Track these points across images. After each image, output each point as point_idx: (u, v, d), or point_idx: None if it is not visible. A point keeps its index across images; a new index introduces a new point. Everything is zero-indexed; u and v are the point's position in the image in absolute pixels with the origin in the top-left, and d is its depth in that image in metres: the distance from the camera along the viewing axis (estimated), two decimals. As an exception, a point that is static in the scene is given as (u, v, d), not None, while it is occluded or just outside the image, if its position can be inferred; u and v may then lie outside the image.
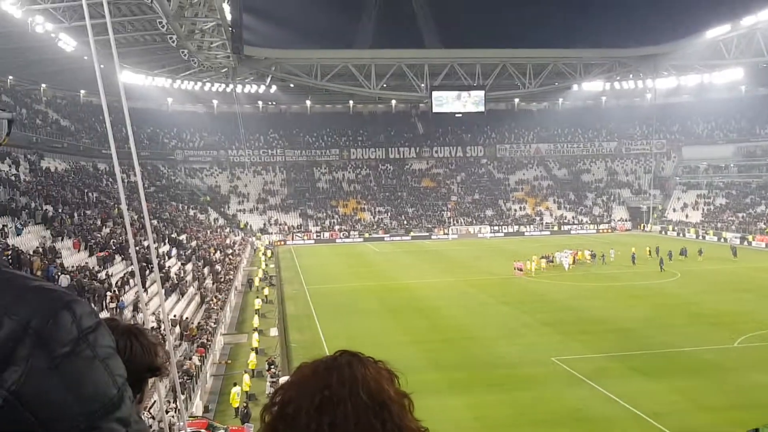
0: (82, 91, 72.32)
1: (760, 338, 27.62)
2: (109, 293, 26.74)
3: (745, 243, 63.35)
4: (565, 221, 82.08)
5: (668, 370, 23.67)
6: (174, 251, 42.41)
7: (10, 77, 60.41)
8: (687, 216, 78.69)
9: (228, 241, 59.46)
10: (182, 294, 33.65)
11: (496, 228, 79.50)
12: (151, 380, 1.81)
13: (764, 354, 25.41)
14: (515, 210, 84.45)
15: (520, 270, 46.22)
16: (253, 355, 26.41)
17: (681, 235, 72.87)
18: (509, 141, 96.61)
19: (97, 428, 0.71)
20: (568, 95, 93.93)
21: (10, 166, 40.58)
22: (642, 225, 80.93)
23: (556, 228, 79.90)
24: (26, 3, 39.93)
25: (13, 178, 38.38)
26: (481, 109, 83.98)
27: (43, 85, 67.09)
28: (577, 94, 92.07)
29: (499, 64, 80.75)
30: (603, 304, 35.82)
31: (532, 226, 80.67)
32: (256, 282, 44.36)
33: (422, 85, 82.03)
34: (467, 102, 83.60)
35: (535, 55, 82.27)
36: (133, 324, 1.86)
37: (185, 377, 20.51)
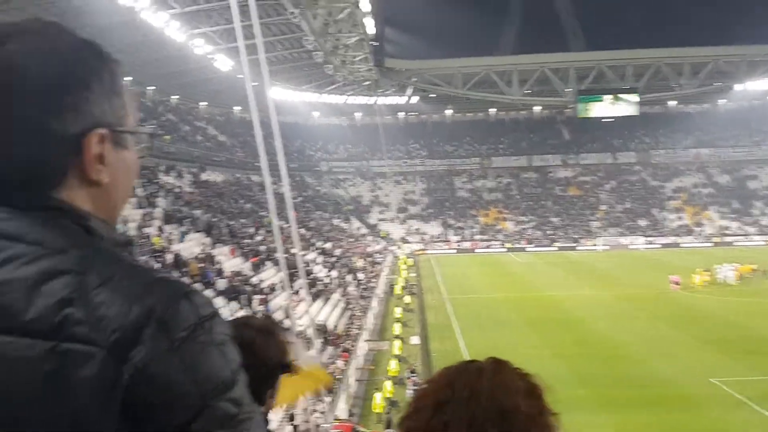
0: (237, 108, 77.38)
1: None
2: (258, 296, 28.20)
3: None
4: (729, 232, 75.70)
5: None
6: (319, 258, 44.06)
7: (174, 96, 65.99)
8: None
9: (370, 250, 60.85)
10: (327, 300, 34.82)
11: (650, 239, 74.94)
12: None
13: None
14: (672, 220, 79.23)
15: (677, 284, 43.17)
16: (394, 362, 26.74)
17: None
18: (665, 146, 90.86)
19: (210, 406, 0.79)
20: (730, 95, 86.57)
21: (175, 178, 44.22)
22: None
23: (717, 239, 73.86)
24: (188, 28, 43.47)
25: (177, 189, 41.77)
26: (634, 112, 79.58)
27: (203, 103, 72.61)
28: (741, 95, 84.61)
29: (653, 65, 76.23)
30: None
31: (690, 237, 75.20)
32: (397, 290, 44.95)
33: (567, 89, 79.33)
34: (618, 105, 79.64)
35: (693, 54, 76.55)
36: (269, 322, 1.94)
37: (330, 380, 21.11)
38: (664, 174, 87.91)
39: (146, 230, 29.24)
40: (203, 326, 0.81)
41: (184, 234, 32.43)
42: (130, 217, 29.73)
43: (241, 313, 24.36)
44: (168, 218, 33.57)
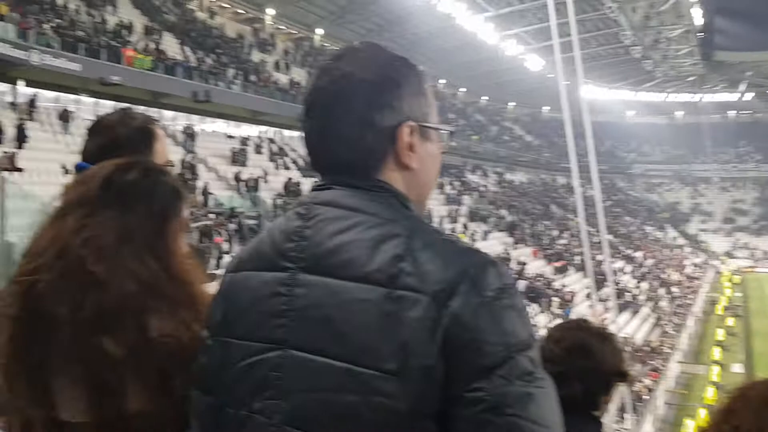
0: (545, 108, 76.77)
1: None
2: (557, 299, 27.53)
3: None
4: None
5: None
6: (628, 268, 41.51)
7: (483, 97, 68.01)
8: None
9: (687, 262, 55.52)
10: (635, 313, 32.63)
11: None
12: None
13: None
14: None
15: None
16: (711, 389, 23.97)
17: None
18: None
19: (513, 358, 0.91)
20: None
21: (480, 177, 45.56)
22: None
23: None
24: (501, 30, 44.40)
25: (482, 188, 42.96)
26: None
27: (511, 104, 73.58)
28: None
29: None
30: None
31: None
32: (718, 310, 40.24)
33: None
34: None
35: None
36: (604, 328, 1.96)
37: (635, 399, 19.73)
38: None
39: (452, 226, 30.63)
40: (507, 291, 0.94)
41: (487, 232, 33.21)
42: (437, 213, 31.46)
43: (540, 317, 24.09)
44: (472, 216, 34.71)
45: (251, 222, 20.51)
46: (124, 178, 1.18)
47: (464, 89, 64.21)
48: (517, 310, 0.94)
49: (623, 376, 1.80)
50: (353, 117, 1.05)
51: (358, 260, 0.96)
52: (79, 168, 1.65)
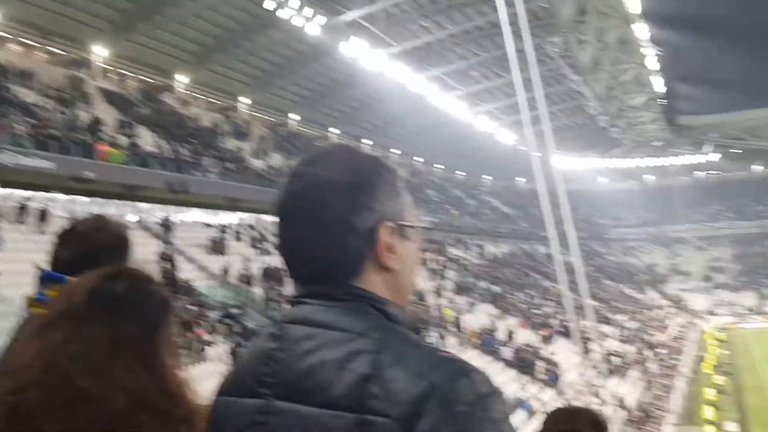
0: (519, 179, 78.35)
1: None
2: (543, 365, 27.36)
3: None
4: None
5: None
6: (612, 332, 41.56)
7: (460, 172, 69.45)
8: None
9: (669, 323, 55.69)
10: (623, 376, 32.49)
11: None
12: None
13: None
14: None
15: None
16: (707, 451, 23.71)
17: None
18: None
19: None
20: None
21: (462, 250, 45.97)
22: None
23: None
24: (471, 106, 45.94)
25: (464, 261, 43.27)
26: None
27: (486, 177, 75.10)
28: None
29: None
30: None
31: None
32: (706, 368, 40.15)
33: None
34: None
35: None
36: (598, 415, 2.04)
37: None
38: None
39: (438, 300, 30.69)
40: (481, 403, 0.89)
41: (472, 304, 33.29)
42: (424, 288, 31.56)
43: (531, 386, 23.94)
44: (458, 289, 34.84)
45: (236, 311, 20.33)
46: (112, 289, 1.16)
47: (441, 165, 65.62)
48: (493, 422, 0.91)
49: None
50: (331, 221, 1.03)
51: (326, 384, 0.94)
52: (46, 278, 1.60)
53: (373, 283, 1.05)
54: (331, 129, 48.81)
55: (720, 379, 36.77)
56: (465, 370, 0.92)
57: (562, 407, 2.12)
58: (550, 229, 9.17)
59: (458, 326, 27.91)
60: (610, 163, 77.60)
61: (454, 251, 44.80)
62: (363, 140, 49.80)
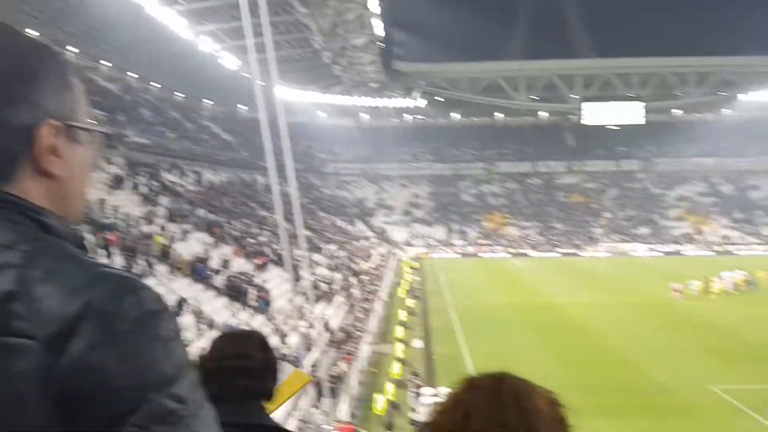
0: (241, 107, 77.38)
1: None
2: (254, 292, 28.06)
3: None
4: (730, 241, 75.54)
5: None
6: (323, 260, 44.06)
7: (179, 94, 66.10)
8: None
9: (373, 252, 60.85)
10: (330, 302, 34.81)
11: (651, 246, 74.80)
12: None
13: None
14: (674, 228, 79.07)
15: (678, 292, 43.07)
16: (397, 365, 26.71)
17: None
18: (668, 154, 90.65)
19: (149, 400, 0.79)
20: (734, 106, 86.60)
21: (178, 176, 44.27)
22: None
23: (719, 248, 73.68)
24: (194, 24, 43.57)
25: (180, 188, 41.79)
26: (640, 121, 79.62)
27: (208, 101, 72.73)
28: (745, 105, 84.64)
29: (658, 74, 76.29)
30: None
31: (692, 245, 75.05)
32: (401, 294, 44.92)
33: (573, 96, 79.32)
34: (623, 113, 79.62)
35: (699, 64, 76.66)
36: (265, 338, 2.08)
37: (333, 382, 21.10)
38: (667, 182, 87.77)
39: (149, 228, 29.29)
40: (147, 321, 0.82)
41: (186, 233, 32.45)
42: (133, 215, 29.81)
43: (242, 313, 24.40)
44: (171, 216, 33.61)
45: None
46: None
47: (158, 84, 61.54)
48: (162, 340, 0.83)
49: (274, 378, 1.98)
50: None
51: None
52: None
53: (29, 189, 0.90)
54: (28, 30, 42.46)
55: (411, 303, 41.50)
56: (130, 286, 0.84)
57: (231, 332, 2.16)
58: (269, 160, 9.15)
59: (167, 254, 27.02)
60: (331, 99, 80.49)
61: (169, 176, 42.91)
62: (68, 47, 44.32)
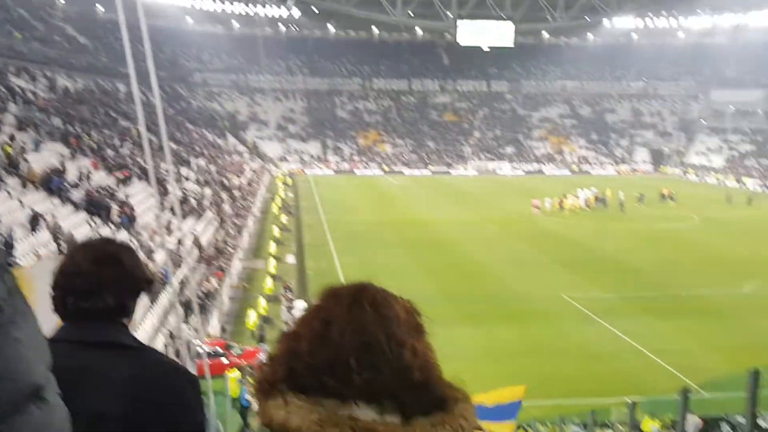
0: (99, 7, 71.07)
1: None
2: (117, 207, 26.73)
3: (765, 189, 62.15)
4: (587, 161, 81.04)
5: (678, 312, 23.82)
6: (192, 175, 42.56)
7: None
8: (710, 161, 77.41)
9: (246, 167, 59.56)
10: (199, 217, 33.93)
11: (516, 165, 78.73)
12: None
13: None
14: (537, 148, 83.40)
15: (538, 208, 45.99)
16: (269, 280, 26.82)
17: (702, 179, 71.73)
18: (535, 77, 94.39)
19: None
20: (598, 31, 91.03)
21: (27, 81, 40.42)
22: (663, 168, 79.63)
23: (576, 168, 78.93)
24: None
25: (30, 94, 38.28)
26: (509, 44, 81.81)
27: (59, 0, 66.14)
28: (608, 31, 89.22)
29: (529, -5, 78.08)
30: (618, 244, 35.69)
31: (552, 164, 79.78)
32: (274, 210, 44.62)
33: (449, 13, 79.70)
34: (495, 35, 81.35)
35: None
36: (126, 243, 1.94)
37: (203, 298, 20.87)
38: (533, 104, 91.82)
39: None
40: None
41: (38, 143, 29.99)
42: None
43: (103, 229, 23.24)
44: (20, 125, 30.86)
45: None
46: None
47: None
48: None
49: (150, 284, 1.86)
50: None
51: None
52: None
53: None
54: None
55: (285, 219, 41.42)
56: None
57: (90, 242, 1.92)
58: (129, 66, 8.49)
59: (16, 165, 24.92)
60: (199, 4, 75.60)
61: (17, 81, 39.08)
62: None
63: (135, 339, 1.72)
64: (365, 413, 1.20)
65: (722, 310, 24.12)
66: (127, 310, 1.74)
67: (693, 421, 10.63)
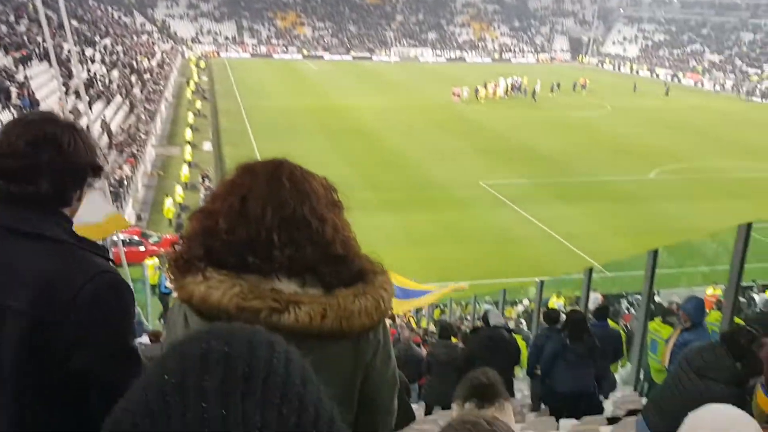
0: None
1: (674, 171, 29.22)
2: (15, 90, 24.96)
3: (675, 80, 64.53)
4: (508, 49, 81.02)
5: (587, 197, 25.04)
6: (98, 56, 39.88)
7: None
8: (625, 50, 78.98)
9: (156, 49, 56.26)
10: (108, 102, 32.18)
11: (438, 53, 77.83)
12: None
13: (676, 186, 27.08)
14: (459, 34, 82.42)
15: (457, 96, 46.12)
16: (186, 167, 26.16)
17: (616, 69, 73.45)
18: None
19: None
20: None
21: None
22: (581, 57, 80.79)
23: (497, 56, 78.90)
24: None
25: None
26: None
27: None
28: None
29: None
30: (533, 132, 36.56)
31: (474, 52, 79.35)
32: (188, 95, 42.81)
33: None
34: None
35: None
36: (75, 121, 1.71)
37: (115, 186, 20.23)
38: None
39: None
40: None
41: None
42: None
43: (3, 113, 21.75)
44: None
45: None
46: None
47: None
48: None
49: (97, 169, 1.63)
50: None
51: None
52: None
53: None
54: None
55: (199, 104, 39.87)
56: None
57: (28, 114, 1.74)
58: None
59: None
60: None
61: None
62: None
63: (67, 232, 1.53)
64: (287, 286, 1.21)
65: (629, 196, 25.51)
66: (66, 199, 1.56)
67: (594, 297, 11.48)
